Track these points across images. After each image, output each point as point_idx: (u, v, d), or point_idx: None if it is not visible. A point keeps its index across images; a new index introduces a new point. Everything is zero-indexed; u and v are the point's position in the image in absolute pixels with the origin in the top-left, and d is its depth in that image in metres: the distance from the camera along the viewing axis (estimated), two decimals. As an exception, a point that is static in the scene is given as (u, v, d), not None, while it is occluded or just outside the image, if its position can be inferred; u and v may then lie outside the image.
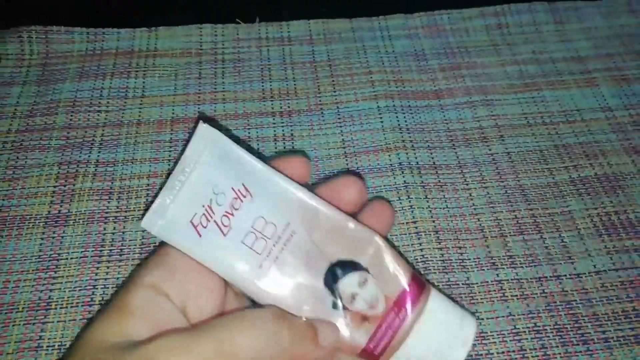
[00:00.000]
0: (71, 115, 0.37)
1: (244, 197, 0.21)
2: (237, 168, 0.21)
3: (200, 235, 0.20)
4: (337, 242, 0.21)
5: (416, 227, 0.32)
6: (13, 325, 0.28)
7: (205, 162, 0.21)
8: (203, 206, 0.21)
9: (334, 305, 0.21)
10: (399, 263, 0.21)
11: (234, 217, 0.21)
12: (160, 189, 0.21)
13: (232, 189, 0.21)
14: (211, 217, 0.21)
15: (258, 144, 0.36)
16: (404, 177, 0.34)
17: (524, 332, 0.28)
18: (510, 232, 0.32)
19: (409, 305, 0.21)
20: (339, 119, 0.37)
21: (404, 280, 0.21)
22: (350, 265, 0.21)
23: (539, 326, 0.28)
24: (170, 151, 0.36)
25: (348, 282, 0.21)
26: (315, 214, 0.21)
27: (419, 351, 0.21)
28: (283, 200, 0.21)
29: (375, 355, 0.21)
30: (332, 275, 0.21)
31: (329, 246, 0.21)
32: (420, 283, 0.21)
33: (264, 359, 0.19)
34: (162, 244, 0.21)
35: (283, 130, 0.37)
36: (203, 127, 0.21)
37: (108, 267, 0.30)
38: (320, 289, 0.21)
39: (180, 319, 0.20)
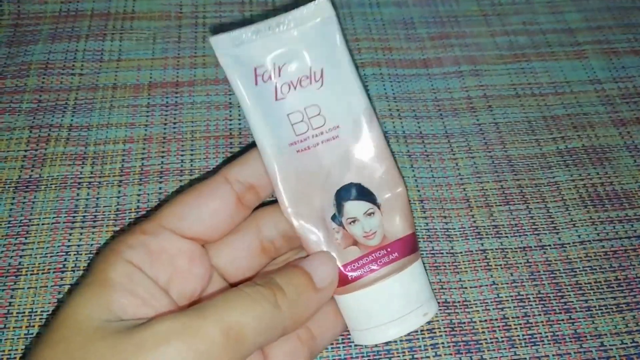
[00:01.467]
0: (43, 78, 0.36)
1: (316, 81, 0.20)
2: (327, 53, 0.20)
3: (256, 84, 0.20)
4: (367, 171, 0.21)
5: (401, 196, 0.31)
6: (-20, 292, 0.27)
7: (305, 30, 0.20)
8: (274, 64, 0.20)
9: (333, 217, 0.21)
10: (409, 217, 0.22)
11: (294, 91, 0.20)
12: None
13: (310, 67, 0.20)
14: (273, 78, 0.20)
15: (239, 110, 0.35)
16: (389, 146, 0.33)
17: (507, 300, 0.28)
18: (495, 202, 0.31)
19: (402, 252, 0.21)
20: (324, 86, 0.36)
21: (407, 231, 0.21)
22: (366, 194, 0.21)
23: (522, 295, 0.28)
24: (147, 116, 0.34)
25: (356, 206, 0.21)
26: (365, 137, 0.21)
27: (380, 299, 0.21)
28: (347, 105, 0.21)
29: (347, 279, 0.21)
30: (346, 192, 0.21)
31: (358, 168, 0.21)
32: (416, 244, 0.22)
33: (270, 332, 0.18)
34: (146, 221, 0.20)
35: (266, 97, 0.35)
36: (323, 2, 0.20)
37: (81, 234, 0.29)
38: (329, 198, 0.21)
39: (163, 297, 0.19)
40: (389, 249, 0.21)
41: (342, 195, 0.21)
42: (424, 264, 0.29)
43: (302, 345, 0.21)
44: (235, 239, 0.22)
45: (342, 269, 0.21)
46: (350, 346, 0.26)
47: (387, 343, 0.26)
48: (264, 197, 0.21)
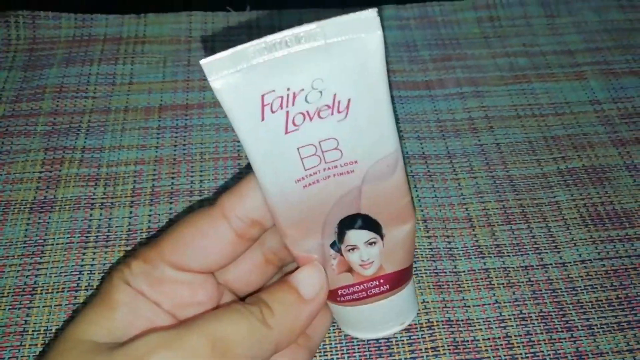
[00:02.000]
0: (57, 101, 0.37)
1: (339, 112, 0.17)
2: (361, 80, 0.16)
3: (263, 119, 0.16)
4: (380, 205, 0.19)
5: (405, 216, 0.32)
6: (-3, 311, 0.28)
7: (335, 46, 0.16)
8: (288, 89, 0.16)
9: (332, 244, 0.20)
10: (411, 251, 0.21)
11: (309, 123, 0.17)
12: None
13: (335, 95, 0.16)
14: (286, 107, 0.16)
15: (247, 132, 0.36)
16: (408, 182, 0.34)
17: (510, 319, 0.28)
18: (497, 222, 0.32)
19: (394, 285, 0.21)
20: (329, 108, 0.37)
21: (405, 264, 0.21)
22: (372, 225, 0.20)
23: (525, 313, 0.28)
24: (158, 138, 0.35)
25: (358, 235, 0.20)
26: (385, 178, 0.18)
27: (364, 315, 0.21)
28: (372, 144, 0.17)
29: (336, 300, 0.21)
30: (351, 221, 0.19)
31: (369, 202, 0.19)
32: (410, 274, 0.22)
33: (261, 347, 0.18)
34: (148, 249, 0.19)
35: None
36: (371, 15, 0.16)
37: (94, 254, 0.30)
38: (331, 226, 0.19)
39: (168, 318, 0.19)
40: (381, 281, 0.20)
41: (346, 223, 0.20)
42: (428, 283, 0.29)
43: (301, 348, 0.21)
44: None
45: (333, 292, 0.20)
46: (354, 348, 0.26)
47: (391, 354, 0.27)
48: (269, 226, 0.20)
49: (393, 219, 0.20)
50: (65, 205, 0.32)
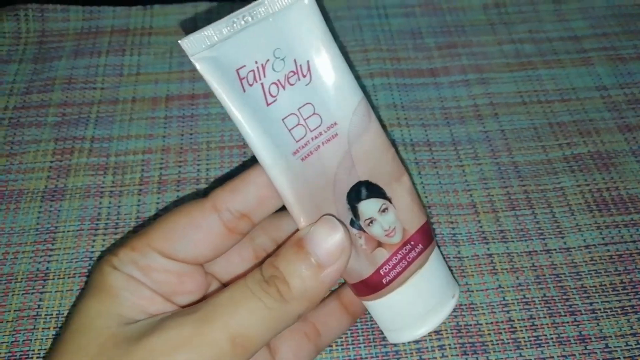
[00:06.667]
0: (67, 93, 0.38)
1: (304, 75, 0.18)
2: (312, 42, 0.18)
3: (244, 91, 0.17)
4: (372, 165, 0.20)
5: (409, 203, 0.32)
6: (12, 295, 0.28)
7: (284, 16, 0.18)
8: (256, 62, 0.18)
9: (352, 223, 0.19)
10: (420, 204, 0.21)
11: (284, 92, 0.18)
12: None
13: (295, 61, 0.18)
14: (259, 79, 0.18)
15: (253, 121, 0.36)
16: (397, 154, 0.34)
17: (513, 303, 0.28)
18: (502, 208, 0.32)
19: (425, 242, 0.20)
20: (334, 96, 0.38)
21: (423, 219, 0.21)
22: (376, 190, 0.20)
23: (528, 298, 0.29)
24: (164, 128, 0.36)
25: (369, 206, 0.20)
26: (364, 129, 0.19)
27: (412, 296, 0.20)
28: (341, 97, 0.19)
29: (382, 284, 0.20)
30: (356, 192, 0.19)
31: (362, 165, 0.20)
32: (432, 231, 0.22)
33: (279, 325, 0.18)
34: (136, 237, 0.19)
35: (278, 108, 0.37)
36: None
37: (104, 240, 0.31)
38: (342, 203, 0.19)
39: (163, 301, 0.19)
40: (412, 243, 0.20)
41: (353, 196, 0.19)
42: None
43: (308, 341, 0.22)
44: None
45: (375, 275, 0.20)
46: (360, 347, 0.27)
47: (395, 344, 0.27)
48: (257, 221, 0.20)
49: (388, 176, 0.20)
50: (75, 193, 0.33)
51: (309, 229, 0.18)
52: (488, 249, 0.30)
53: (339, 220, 0.18)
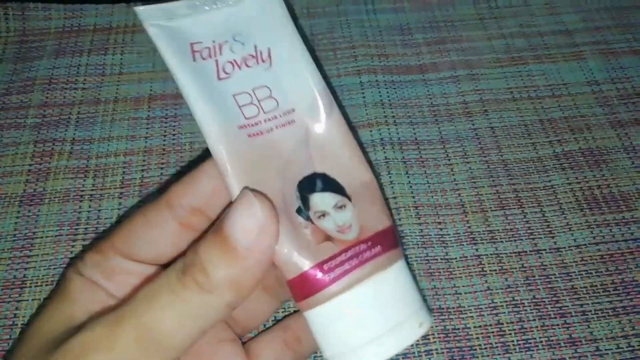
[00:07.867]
0: (47, 93, 0.37)
1: (263, 61, 0.18)
2: (274, 32, 0.19)
3: (194, 60, 0.17)
4: (332, 159, 0.19)
5: (396, 203, 0.32)
6: (-12, 304, 0.28)
7: (249, 6, 0.18)
8: (213, 41, 0.18)
9: (299, 211, 0.18)
10: (384, 208, 0.19)
11: (239, 71, 0.18)
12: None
13: (255, 46, 0.18)
14: (214, 56, 0.18)
15: (237, 121, 0.35)
16: (385, 152, 0.34)
17: (502, 306, 0.28)
18: (491, 207, 0.31)
19: (385, 246, 0.18)
20: (320, 94, 0.37)
21: (386, 223, 0.19)
22: (333, 185, 0.18)
23: (517, 300, 0.28)
24: (147, 128, 0.35)
25: (323, 199, 0.18)
26: (324, 121, 0.19)
27: (365, 306, 0.17)
28: (301, 87, 0.19)
29: (324, 281, 0.17)
30: (310, 183, 0.18)
31: (321, 157, 0.18)
32: (398, 240, 0.19)
33: (200, 321, 0.16)
34: (102, 240, 0.19)
35: (263, 107, 0.36)
36: None
37: (83, 246, 0.30)
38: (291, 189, 0.18)
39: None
40: (369, 243, 0.18)
41: (306, 186, 0.18)
42: (418, 270, 0.29)
43: (287, 348, 0.21)
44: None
45: (317, 267, 0.17)
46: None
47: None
48: (214, 216, 0.19)
49: (350, 174, 0.19)
50: (54, 197, 0.32)
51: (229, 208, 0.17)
52: (477, 249, 0.30)
53: (263, 195, 0.17)
